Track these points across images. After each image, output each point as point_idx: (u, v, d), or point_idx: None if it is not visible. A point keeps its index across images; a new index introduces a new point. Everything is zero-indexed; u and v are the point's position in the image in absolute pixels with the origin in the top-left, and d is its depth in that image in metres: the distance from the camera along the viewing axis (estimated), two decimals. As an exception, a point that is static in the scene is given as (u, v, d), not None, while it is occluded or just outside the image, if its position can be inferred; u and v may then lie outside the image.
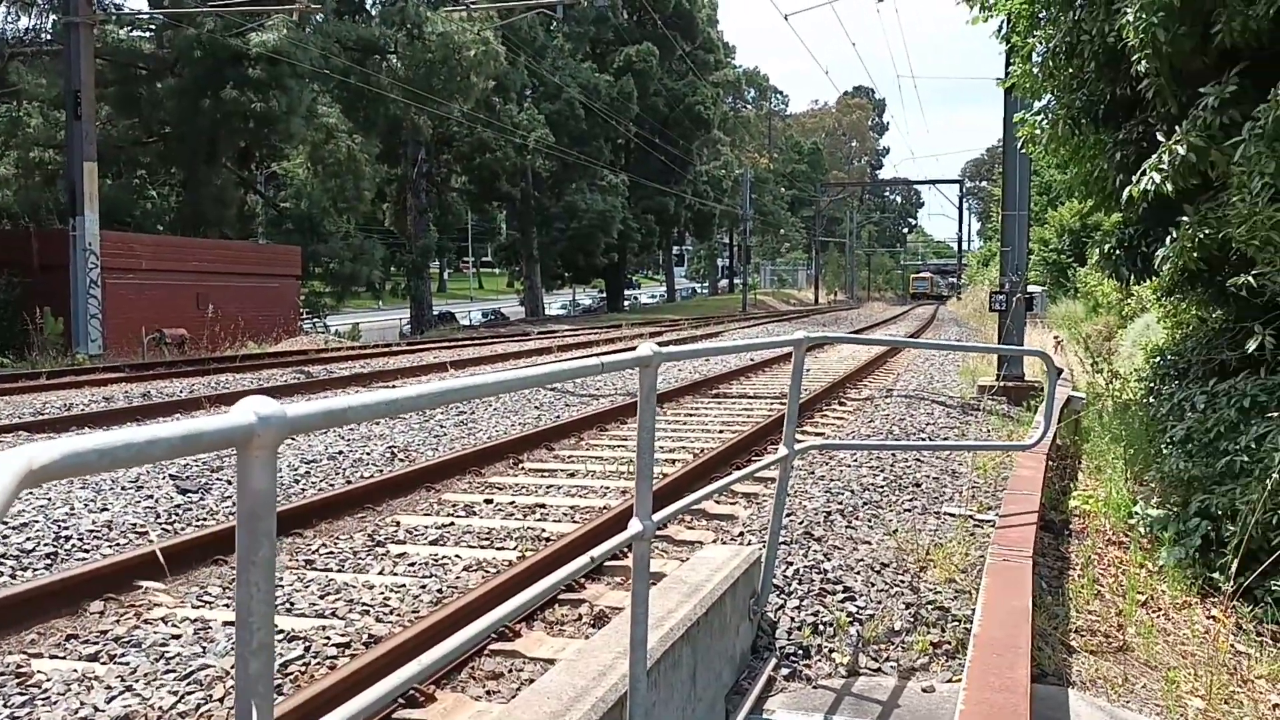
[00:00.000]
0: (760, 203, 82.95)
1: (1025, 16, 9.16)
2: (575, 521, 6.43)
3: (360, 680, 3.50)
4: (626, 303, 69.92)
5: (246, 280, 27.55)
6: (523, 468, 8.42)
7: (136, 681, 3.87)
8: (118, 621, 4.56)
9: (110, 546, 5.80)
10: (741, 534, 6.16)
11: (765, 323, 40.52)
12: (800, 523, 6.35)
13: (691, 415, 11.65)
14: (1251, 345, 6.23)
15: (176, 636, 4.33)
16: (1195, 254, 6.42)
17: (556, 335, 29.52)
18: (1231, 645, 5.45)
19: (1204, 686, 4.71)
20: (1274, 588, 5.37)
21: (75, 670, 3.96)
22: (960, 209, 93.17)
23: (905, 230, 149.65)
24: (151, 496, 6.98)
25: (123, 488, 7.21)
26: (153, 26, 31.65)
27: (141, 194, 32.06)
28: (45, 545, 5.72)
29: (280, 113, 29.78)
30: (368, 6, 43.87)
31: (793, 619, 4.91)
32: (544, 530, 6.23)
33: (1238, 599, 5.88)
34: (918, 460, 8.71)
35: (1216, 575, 6.10)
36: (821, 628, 4.82)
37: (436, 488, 7.51)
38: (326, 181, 34.41)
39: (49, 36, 29.73)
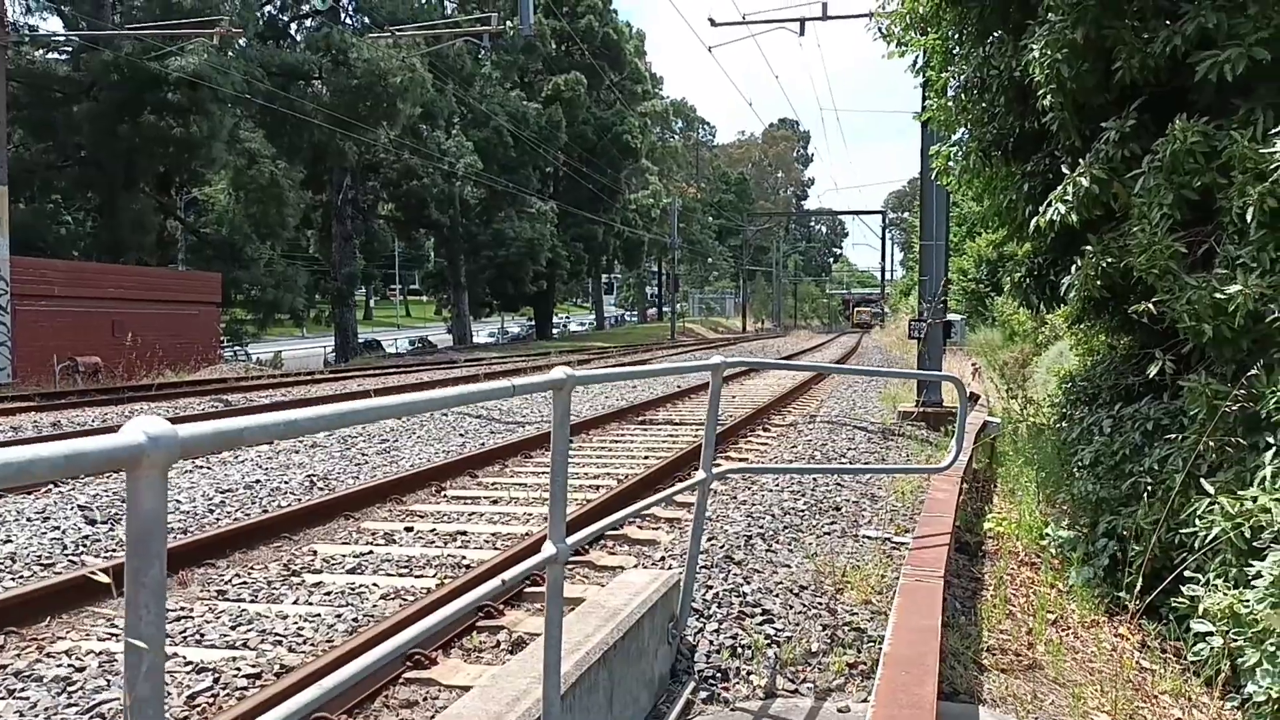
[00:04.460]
0: (688, 232, 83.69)
1: (939, 52, 9.42)
2: (497, 549, 6.39)
3: (267, 710, 3.43)
4: (555, 331, 69.84)
5: (165, 307, 26.98)
6: (445, 495, 8.35)
7: (37, 717, 3.75)
8: (19, 655, 4.42)
9: (14, 579, 5.62)
10: (663, 558, 6.18)
11: (693, 350, 40.75)
12: (721, 547, 6.39)
13: (617, 442, 11.66)
14: (1153, 370, 6.44)
15: (81, 670, 4.21)
16: (1099, 282, 6.64)
17: (483, 363, 29.35)
18: (1137, 662, 5.60)
19: (1110, 702, 4.83)
20: (1176, 605, 5.54)
21: (-29, 707, 3.83)
22: (883, 239, 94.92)
23: (830, 260, 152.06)
24: (59, 528, 6.78)
25: (28, 519, 6.99)
26: (68, 49, 31.02)
27: (56, 219, 31.31)
28: (-57, 579, 5.53)
29: (201, 138, 29.35)
30: (292, 32, 43.54)
31: (712, 642, 4.94)
32: (465, 557, 6.18)
33: (1143, 617, 6.05)
34: (838, 484, 8.83)
35: (1123, 594, 6.27)
36: (740, 650, 4.85)
37: (356, 516, 7.41)
38: (249, 207, 33.95)
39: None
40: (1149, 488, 6.36)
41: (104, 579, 4.80)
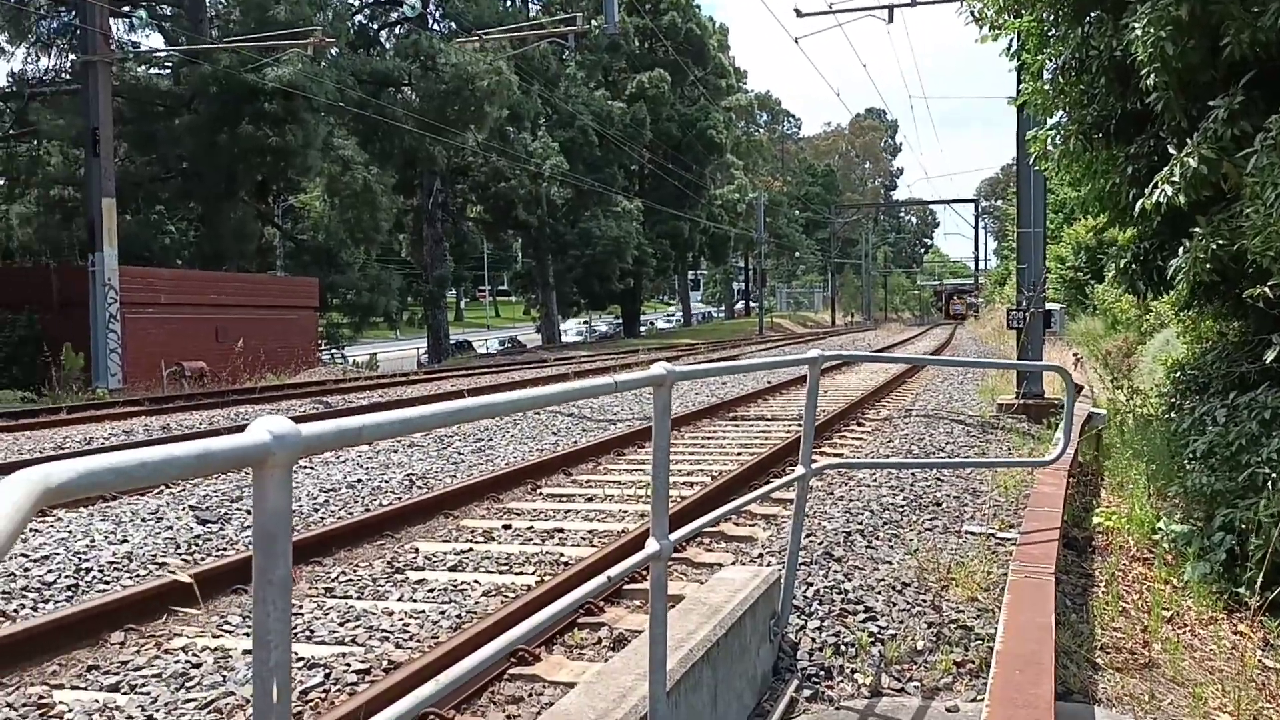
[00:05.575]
0: (775, 226, 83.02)
1: (1035, 34, 9.17)
2: (594, 545, 6.42)
3: (379, 705, 3.49)
4: (643, 328, 69.99)
5: (266, 312, 27.73)
6: (541, 493, 8.42)
7: (157, 711, 3.88)
8: (138, 652, 4.58)
9: (131, 578, 5.83)
10: (761, 555, 6.14)
11: (782, 345, 40.47)
12: (820, 543, 6.32)
13: (710, 439, 11.63)
14: (1270, 356, 6.18)
15: (197, 665, 4.34)
16: (1208, 265, 6.39)
17: (573, 361, 29.55)
18: (1259, 660, 5.38)
19: (1232, 702, 4.65)
20: (1301, 601, 5.31)
21: (96, 701, 3.98)
22: (976, 228, 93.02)
23: (921, 250, 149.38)
24: (171, 528, 7.01)
25: (142, 519, 7.24)
26: (169, 64, 32.05)
27: (160, 229, 32.38)
28: (66, 577, 5.76)
29: (297, 146, 30.03)
30: (382, 40, 44.35)
31: (814, 640, 4.88)
32: (563, 555, 6.22)
33: (1264, 613, 5.81)
34: (938, 479, 8.67)
35: (1242, 590, 6.04)
36: (843, 648, 4.79)
37: (455, 514, 7.52)
38: (344, 213, 34.66)
39: (68, 76, 30.19)
40: (1268, 479, 6.10)
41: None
